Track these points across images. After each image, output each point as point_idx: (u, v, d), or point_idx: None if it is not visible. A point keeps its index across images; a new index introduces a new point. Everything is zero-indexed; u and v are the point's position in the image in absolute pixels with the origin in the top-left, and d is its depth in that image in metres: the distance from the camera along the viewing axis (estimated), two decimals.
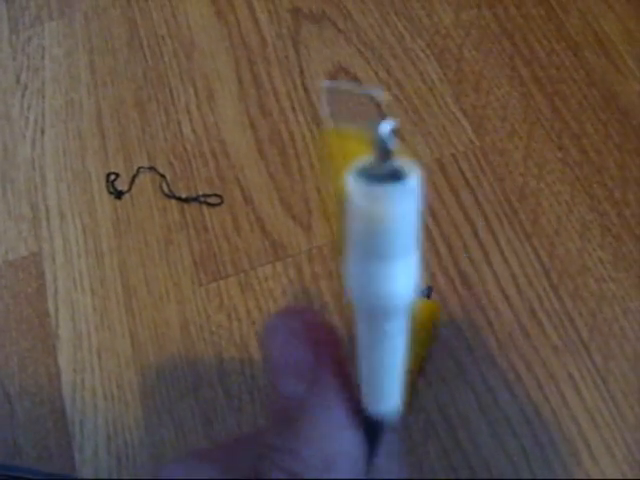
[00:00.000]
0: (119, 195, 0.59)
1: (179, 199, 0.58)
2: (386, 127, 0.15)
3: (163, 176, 0.59)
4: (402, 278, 0.17)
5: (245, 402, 0.51)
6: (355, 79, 0.61)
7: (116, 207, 0.59)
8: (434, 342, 0.51)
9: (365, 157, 0.16)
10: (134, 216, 0.58)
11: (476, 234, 0.54)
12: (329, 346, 0.21)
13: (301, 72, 0.62)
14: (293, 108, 0.61)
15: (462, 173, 0.57)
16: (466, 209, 0.55)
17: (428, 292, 0.51)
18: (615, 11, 0.62)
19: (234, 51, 0.64)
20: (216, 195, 0.58)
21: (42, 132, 0.63)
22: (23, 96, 0.65)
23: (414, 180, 0.16)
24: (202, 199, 0.57)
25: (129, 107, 0.63)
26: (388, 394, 0.21)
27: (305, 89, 0.61)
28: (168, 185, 0.58)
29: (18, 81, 0.66)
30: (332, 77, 0.62)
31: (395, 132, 0.15)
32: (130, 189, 0.59)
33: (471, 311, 0.52)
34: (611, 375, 0.49)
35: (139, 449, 0.51)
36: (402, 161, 0.16)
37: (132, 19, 0.68)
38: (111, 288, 0.56)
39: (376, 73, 0.61)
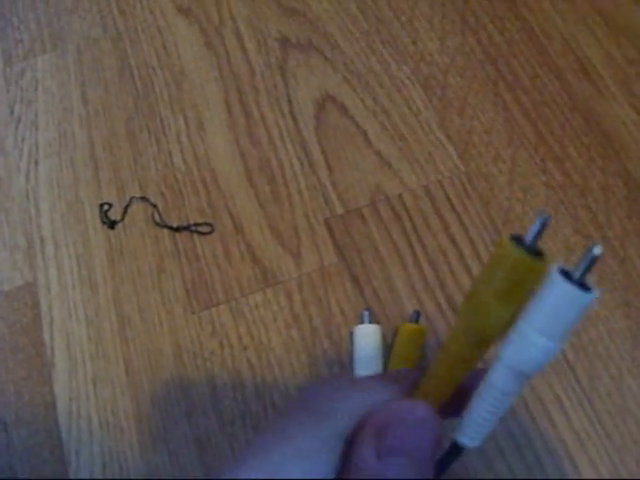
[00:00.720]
0: (112, 225, 0.60)
1: (171, 228, 0.59)
2: (598, 250, 0.23)
3: (155, 206, 0.60)
4: (548, 355, 0.24)
5: (238, 427, 0.52)
6: (342, 107, 0.63)
7: (109, 237, 0.60)
8: (421, 366, 0.52)
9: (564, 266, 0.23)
10: (127, 245, 0.59)
11: (462, 258, 0.55)
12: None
13: (289, 101, 0.64)
14: (281, 137, 0.62)
15: (448, 198, 0.58)
16: (452, 234, 0.56)
17: (416, 317, 0.52)
18: (596, 36, 0.63)
19: (223, 81, 0.66)
20: (207, 224, 0.59)
21: (36, 163, 0.64)
22: (17, 128, 0.66)
23: (596, 295, 0.23)
24: (193, 228, 0.59)
25: (121, 137, 0.64)
26: (482, 434, 0.27)
27: (293, 117, 0.63)
28: (160, 214, 0.60)
29: (12, 113, 0.67)
30: (319, 106, 0.63)
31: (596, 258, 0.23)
32: (123, 219, 0.60)
33: None
34: (596, 395, 0.50)
35: (134, 475, 0.52)
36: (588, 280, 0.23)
37: (123, 50, 0.69)
38: (105, 317, 0.57)
39: (362, 101, 0.63)
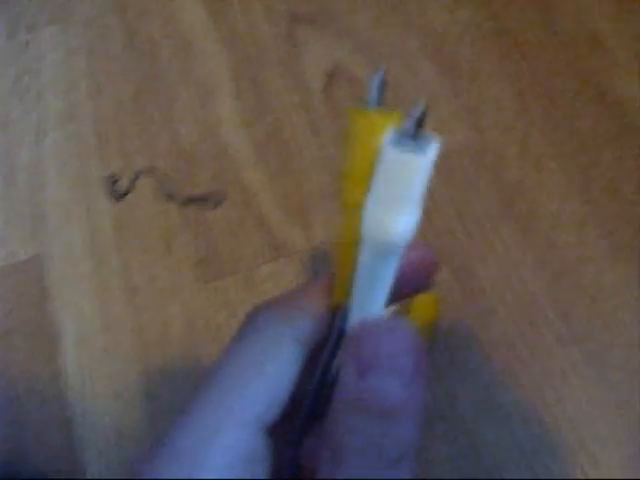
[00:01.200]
0: (120, 197, 0.59)
1: (180, 199, 0.58)
2: (420, 108, 0.21)
3: (163, 177, 0.59)
4: (409, 224, 0.22)
5: None
6: (352, 79, 0.62)
7: (117, 209, 0.59)
8: (433, 335, 0.52)
9: (395, 128, 0.21)
10: (135, 217, 0.59)
11: (474, 228, 0.55)
12: (425, 354, 0.24)
13: (298, 72, 0.63)
14: (291, 108, 0.61)
15: (460, 168, 0.57)
16: (463, 205, 0.56)
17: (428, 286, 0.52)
18: (607, 7, 0.63)
19: (231, 53, 0.65)
20: (217, 195, 0.58)
21: (42, 135, 0.63)
22: (22, 100, 0.66)
23: (435, 150, 0.21)
24: (202, 199, 0.58)
25: (128, 110, 0.64)
26: (375, 304, 0.25)
27: (303, 88, 0.62)
28: (168, 186, 0.59)
29: (17, 85, 0.67)
30: (329, 77, 0.63)
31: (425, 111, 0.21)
32: (131, 191, 0.60)
33: (469, 306, 0.52)
34: (609, 365, 0.50)
35: (144, 446, 0.51)
36: (427, 134, 0.21)
37: (128, 23, 0.68)
38: (114, 289, 0.56)
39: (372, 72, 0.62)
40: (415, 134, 0.21)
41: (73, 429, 0.53)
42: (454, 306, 0.53)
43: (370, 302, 0.25)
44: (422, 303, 0.52)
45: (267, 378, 0.24)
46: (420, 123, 0.21)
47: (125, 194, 0.60)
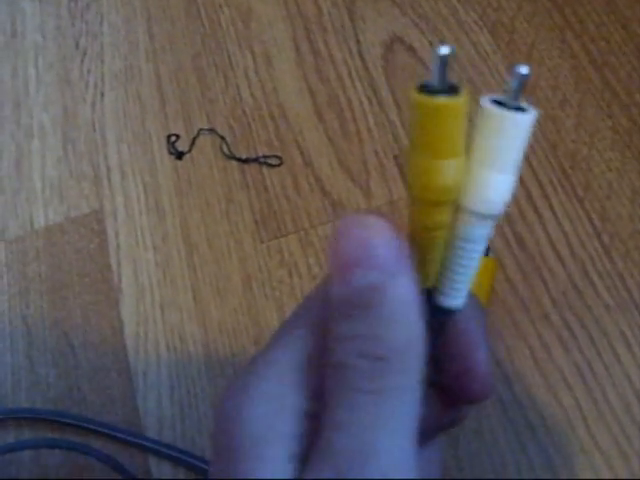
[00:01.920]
0: (180, 156, 0.60)
1: (239, 160, 0.59)
2: (524, 69, 0.20)
3: (223, 138, 0.60)
4: (506, 190, 0.22)
5: None
6: (410, 49, 0.63)
7: (177, 167, 0.60)
8: (491, 298, 0.52)
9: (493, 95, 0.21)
10: (195, 176, 0.60)
11: (530, 198, 0.56)
12: (405, 243, 0.22)
13: (357, 41, 0.64)
14: (350, 75, 0.62)
15: None
16: (520, 174, 0.57)
17: (486, 251, 0.53)
18: None
19: (291, 20, 0.66)
20: (275, 156, 0.59)
21: (102, 95, 0.65)
22: (82, 61, 0.67)
23: (534, 116, 0.21)
24: (262, 160, 0.59)
25: (188, 72, 0.65)
26: (460, 291, 0.24)
27: (361, 57, 0.63)
28: (228, 146, 0.60)
29: (77, 47, 0.68)
30: (387, 47, 0.63)
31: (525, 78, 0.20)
32: (190, 150, 0.61)
33: (526, 270, 0.53)
34: None
35: (202, 399, 0.53)
36: (523, 104, 0.21)
37: None
38: (173, 244, 0.58)
39: (431, 43, 0.63)
40: (514, 102, 0.21)
41: (131, 379, 0.54)
42: (510, 271, 0.54)
43: (461, 274, 0.24)
44: (482, 266, 0.53)
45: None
46: (519, 92, 0.21)
47: (185, 153, 0.61)
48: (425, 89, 0.20)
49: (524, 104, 0.21)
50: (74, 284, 0.57)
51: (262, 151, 0.60)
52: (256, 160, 0.59)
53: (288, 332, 0.24)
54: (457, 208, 0.22)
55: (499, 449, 0.48)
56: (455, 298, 0.24)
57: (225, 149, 0.60)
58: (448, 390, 0.27)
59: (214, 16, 0.67)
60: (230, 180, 0.59)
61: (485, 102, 0.21)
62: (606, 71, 0.61)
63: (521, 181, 0.56)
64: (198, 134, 0.61)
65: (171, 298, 0.56)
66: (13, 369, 0.55)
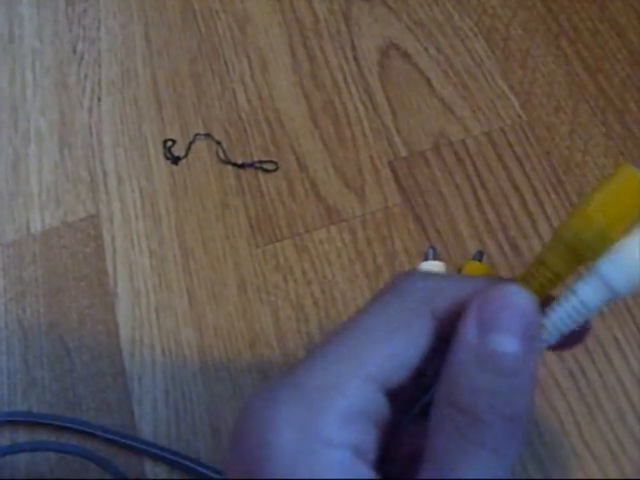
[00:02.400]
0: (176, 160, 0.61)
1: (235, 165, 0.60)
2: None
3: (219, 143, 0.61)
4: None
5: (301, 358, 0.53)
6: (405, 55, 0.64)
7: (173, 172, 0.61)
8: None
9: None
10: (191, 181, 0.60)
11: (524, 204, 0.56)
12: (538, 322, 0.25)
13: (353, 47, 0.64)
14: (345, 81, 0.63)
15: (510, 146, 0.59)
16: (514, 180, 0.57)
17: (479, 256, 0.53)
18: None
19: (287, 25, 0.66)
20: (271, 161, 0.60)
21: (99, 100, 0.65)
22: (79, 65, 0.67)
23: None
24: (257, 165, 0.59)
25: (184, 77, 0.65)
26: (555, 336, 0.26)
27: (357, 63, 0.64)
28: (224, 151, 0.60)
29: (74, 51, 0.68)
30: (383, 53, 0.64)
31: None
32: (187, 155, 0.61)
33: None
34: None
35: (197, 403, 0.53)
36: None
37: None
38: (169, 249, 0.58)
39: (426, 50, 0.64)
40: None
41: (126, 383, 0.54)
42: (505, 275, 0.54)
43: (555, 326, 0.26)
44: (473, 272, 0.53)
45: (397, 344, 0.24)
46: None
47: (181, 158, 0.61)
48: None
49: None
50: (70, 288, 0.58)
51: (258, 156, 0.60)
52: (252, 165, 0.59)
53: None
54: (589, 270, 0.24)
55: None
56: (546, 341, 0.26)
57: (221, 154, 0.60)
58: None
59: (210, 21, 0.68)
60: (226, 185, 0.59)
61: None
62: (600, 78, 0.61)
63: (515, 187, 0.57)
64: (194, 139, 0.61)
65: (167, 302, 0.56)
66: (9, 372, 0.55)
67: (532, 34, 0.64)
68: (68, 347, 0.56)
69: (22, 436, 0.53)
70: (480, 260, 0.53)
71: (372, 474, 0.23)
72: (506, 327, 0.24)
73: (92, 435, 0.52)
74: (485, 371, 0.23)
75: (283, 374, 0.24)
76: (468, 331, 0.24)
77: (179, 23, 0.68)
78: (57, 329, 0.56)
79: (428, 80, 0.62)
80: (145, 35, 0.68)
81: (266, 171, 0.59)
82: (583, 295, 0.24)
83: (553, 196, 0.56)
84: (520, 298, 0.24)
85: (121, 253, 0.58)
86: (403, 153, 0.59)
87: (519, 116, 0.60)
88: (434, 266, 0.53)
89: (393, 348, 0.24)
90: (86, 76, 0.66)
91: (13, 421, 0.54)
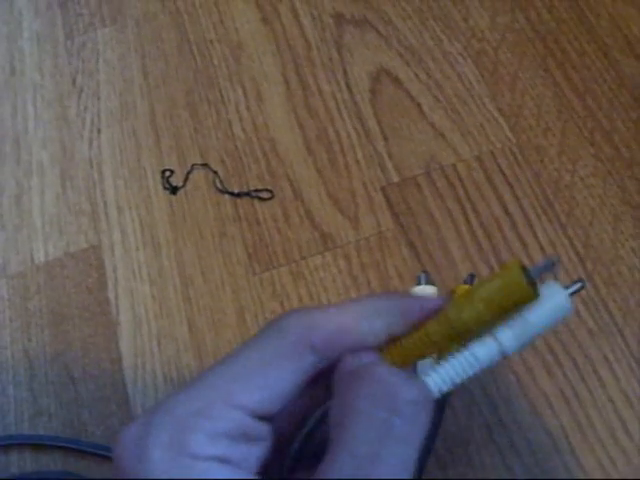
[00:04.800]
0: (174, 190, 0.62)
1: (232, 194, 0.61)
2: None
3: (216, 172, 0.62)
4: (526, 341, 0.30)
5: None
6: (396, 81, 0.65)
7: (171, 202, 0.62)
8: None
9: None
10: (189, 210, 0.62)
11: (515, 226, 0.57)
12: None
13: (345, 74, 0.66)
14: (338, 108, 0.64)
15: (500, 169, 0.60)
16: (505, 202, 0.58)
17: (471, 280, 0.55)
18: None
19: (280, 54, 0.68)
20: (267, 190, 0.61)
21: (98, 132, 0.67)
22: (79, 98, 0.69)
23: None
24: (254, 194, 0.61)
25: (181, 108, 0.66)
26: (445, 388, 0.30)
27: (349, 90, 0.65)
28: (221, 181, 0.62)
29: (74, 84, 0.70)
30: (374, 79, 0.65)
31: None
32: (184, 185, 0.63)
33: None
34: None
35: None
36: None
37: (181, 25, 0.71)
38: (168, 278, 0.59)
39: (416, 75, 0.65)
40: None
41: (130, 409, 0.55)
42: None
43: (450, 376, 0.30)
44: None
45: (270, 376, 0.27)
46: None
47: (179, 188, 0.62)
48: (522, 267, 0.28)
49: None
50: (74, 317, 0.59)
51: (254, 185, 0.61)
52: (248, 194, 0.61)
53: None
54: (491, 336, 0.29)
55: (486, 472, 0.50)
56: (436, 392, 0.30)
57: (218, 184, 0.62)
58: None
59: (206, 52, 0.69)
60: (223, 214, 0.61)
61: (554, 285, 0.29)
62: (588, 99, 0.62)
63: (505, 209, 0.58)
64: (192, 169, 0.63)
65: (167, 330, 0.57)
66: (16, 401, 0.57)
67: (520, 57, 0.65)
68: (73, 376, 0.57)
69: (28, 460, 0.54)
70: (472, 283, 0.55)
71: (242, 475, 0.26)
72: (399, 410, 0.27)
73: (99, 456, 0.54)
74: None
75: (159, 401, 0.27)
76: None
77: (175, 54, 0.69)
78: (62, 358, 0.58)
79: (419, 105, 0.63)
80: (142, 67, 0.69)
81: (262, 199, 0.61)
82: (481, 355, 0.29)
83: (543, 218, 0.57)
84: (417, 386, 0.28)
85: (122, 282, 0.60)
86: (395, 179, 0.60)
87: (508, 139, 0.61)
88: (426, 290, 0.54)
89: (265, 380, 0.27)
90: (86, 108, 0.68)
91: (20, 444, 0.55)
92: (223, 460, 0.26)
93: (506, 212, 0.58)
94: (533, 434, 0.51)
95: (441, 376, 0.29)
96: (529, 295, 0.28)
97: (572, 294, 0.29)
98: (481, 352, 0.29)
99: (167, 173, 0.63)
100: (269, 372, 0.27)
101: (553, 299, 0.29)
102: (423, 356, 0.30)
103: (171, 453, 0.25)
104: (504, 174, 0.60)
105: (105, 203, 0.63)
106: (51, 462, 0.54)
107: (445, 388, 0.29)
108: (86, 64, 0.71)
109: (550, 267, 0.29)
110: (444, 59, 0.65)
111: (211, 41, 0.70)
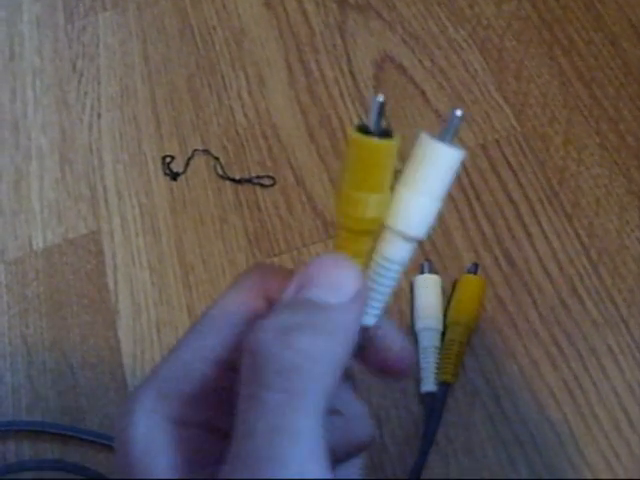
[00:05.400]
0: (175, 176, 0.62)
1: (233, 180, 0.61)
2: (459, 112, 0.23)
3: (217, 158, 0.62)
4: (430, 214, 0.25)
5: None
6: (400, 67, 0.64)
7: (172, 188, 0.62)
8: (480, 316, 0.53)
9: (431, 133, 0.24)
10: (189, 196, 0.61)
11: (519, 215, 0.57)
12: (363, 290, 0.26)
13: (348, 60, 0.65)
14: (341, 94, 0.63)
15: (505, 157, 0.59)
16: (509, 191, 0.58)
17: (474, 269, 0.54)
18: None
19: (283, 40, 0.67)
20: (268, 176, 0.60)
21: (98, 117, 0.66)
22: (79, 83, 0.68)
23: (463, 155, 0.24)
24: (255, 180, 0.60)
25: (182, 93, 0.66)
26: (377, 309, 0.27)
27: (353, 77, 0.64)
28: (222, 167, 0.61)
29: (74, 69, 0.69)
30: (378, 66, 0.64)
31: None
32: (185, 171, 0.62)
33: (515, 287, 0.54)
34: None
35: None
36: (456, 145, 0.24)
37: (183, 9, 0.70)
38: (168, 264, 0.59)
39: (421, 62, 0.64)
40: (449, 141, 0.24)
41: (129, 397, 0.55)
42: (498, 288, 0.54)
43: (379, 293, 0.26)
44: (468, 285, 0.54)
45: (230, 324, 0.26)
46: (454, 132, 0.24)
47: (180, 174, 0.62)
48: (363, 130, 0.24)
49: (455, 145, 0.24)
50: (72, 304, 0.59)
51: (255, 171, 0.61)
52: (249, 180, 0.60)
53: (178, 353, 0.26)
54: (383, 229, 0.25)
55: (489, 465, 0.49)
56: (371, 316, 0.27)
57: (219, 170, 0.61)
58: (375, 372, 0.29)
59: (207, 37, 0.68)
60: (224, 200, 0.60)
61: (424, 134, 0.24)
62: (594, 87, 0.61)
63: (510, 199, 0.57)
64: (193, 155, 0.62)
65: (167, 317, 0.57)
66: (13, 388, 0.56)
67: (526, 45, 0.64)
68: (71, 363, 0.57)
69: (26, 447, 0.54)
70: (475, 272, 0.54)
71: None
72: (324, 282, 0.24)
73: (97, 444, 0.53)
74: (303, 335, 0.23)
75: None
76: (285, 293, 0.25)
77: (177, 39, 0.69)
78: (60, 345, 0.57)
79: (423, 92, 0.63)
80: (143, 52, 0.69)
81: (263, 186, 0.60)
82: (389, 253, 0.25)
83: (547, 207, 0.57)
84: (336, 259, 0.25)
85: (122, 269, 0.59)
86: (398, 166, 0.60)
87: (513, 127, 0.60)
88: (429, 279, 0.54)
89: (229, 326, 0.26)
90: (86, 93, 0.67)
91: (18, 430, 0.55)
92: (205, 426, 0.25)
93: (510, 201, 0.57)
94: (536, 426, 0.50)
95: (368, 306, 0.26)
96: (380, 147, 0.24)
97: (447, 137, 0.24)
98: (389, 250, 0.26)
99: (168, 159, 0.62)
100: (230, 319, 0.26)
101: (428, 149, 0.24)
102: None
103: (156, 419, 0.25)
104: (509, 163, 0.59)
105: (105, 189, 0.63)
106: (49, 449, 0.54)
107: (376, 310, 0.27)
108: (86, 48, 0.70)
109: (381, 106, 0.24)
110: (449, 46, 0.65)
111: (213, 26, 0.69)
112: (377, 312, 0.27)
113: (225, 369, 0.26)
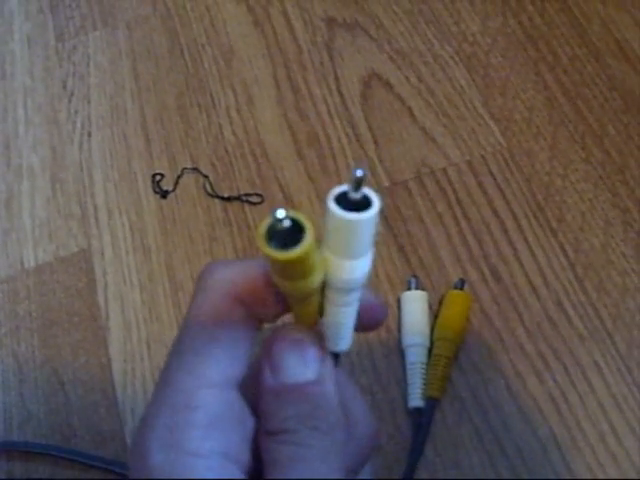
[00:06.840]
0: (164, 194, 0.62)
1: (222, 198, 0.61)
2: (360, 172, 0.23)
3: (206, 176, 0.62)
4: (362, 267, 0.25)
5: None
6: (387, 85, 0.65)
7: (162, 206, 0.62)
8: (467, 331, 0.54)
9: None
10: (179, 214, 0.61)
11: (505, 231, 0.57)
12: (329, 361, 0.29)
13: (336, 78, 0.66)
14: (329, 112, 0.64)
15: (491, 173, 0.60)
16: (495, 207, 0.58)
17: (461, 284, 0.55)
18: (635, 18, 0.65)
19: (271, 58, 0.68)
20: (257, 194, 0.61)
21: (89, 135, 0.66)
22: (70, 102, 0.69)
23: (377, 207, 0.23)
24: (244, 198, 0.61)
25: (172, 112, 0.66)
26: (345, 339, 0.29)
27: (340, 94, 0.65)
28: (211, 185, 0.62)
29: (64, 88, 0.70)
30: (365, 83, 0.65)
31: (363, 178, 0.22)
32: (175, 189, 0.62)
33: (501, 302, 0.55)
34: (634, 362, 0.52)
35: None
36: (367, 191, 0.23)
37: (172, 28, 0.71)
38: (158, 282, 0.59)
39: (407, 79, 0.65)
40: (356, 193, 0.23)
41: (119, 415, 0.55)
42: (485, 304, 0.55)
43: (344, 329, 0.28)
44: (455, 300, 0.54)
45: (220, 342, 0.27)
46: (360, 184, 0.23)
47: (169, 192, 0.62)
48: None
49: (367, 191, 0.23)
50: (63, 322, 0.59)
51: (244, 189, 0.61)
52: (238, 198, 0.61)
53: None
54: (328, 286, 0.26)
55: (475, 476, 0.50)
56: (342, 345, 0.29)
57: (208, 188, 0.62)
58: None
59: (197, 56, 0.69)
60: (213, 218, 0.61)
61: (330, 202, 0.24)
62: (579, 103, 0.62)
63: (496, 214, 0.58)
64: (182, 173, 0.63)
65: (157, 335, 0.57)
66: (5, 406, 0.57)
67: (512, 61, 0.65)
68: (62, 380, 0.57)
69: (17, 467, 0.54)
70: (462, 288, 0.55)
71: (241, 475, 0.26)
72: (292, 365, 0.27)
73: (89, 466, 0.53)
74: (287, 403, 0.26)
75: (148, 405, 0.28)
76: (264, 378, 0.27)
77: (166, 57, 0.69)
78: (51, 363, 0.58)
79: (410, 109, 0.63)
80: (133, 70, 0.69)
81: (252, 204, 0.61)
82: (335, 300, 0.27)
83: (533, 222, 0.57)
84: (297, 334, 0.28)
85: (112, 287, 0.60)
86: (386, 183, 0.60)
87: (499, 143, 0.61)
88: (416, 295, 0.54)
89: (219, 345, 0.27)
90: (76, 112, 0.68)
91: (9, 450, 0.55)
92: (225, 455, 0.26)
93: (497, 216, 0.58)
94: (523, 439, 0.50)
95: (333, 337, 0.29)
96: (287, 256, 0.23)
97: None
98: (333, 299, 0.27)
99: (157, 177, 0.63)
100: (218, 336, 0.27)
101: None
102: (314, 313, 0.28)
103: (171, 454, 0.25)
104: (495, 178, 0.59)
105: (95, 207, 0.63)
106: (40, 468, 0.54)
107: (345, 341, 0.29)
108: (77, 67, 0.70)
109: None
110: (435, 63, 0.65)
111: (202, 45, 0.70)
112: (347, 341, 0.29)
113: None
